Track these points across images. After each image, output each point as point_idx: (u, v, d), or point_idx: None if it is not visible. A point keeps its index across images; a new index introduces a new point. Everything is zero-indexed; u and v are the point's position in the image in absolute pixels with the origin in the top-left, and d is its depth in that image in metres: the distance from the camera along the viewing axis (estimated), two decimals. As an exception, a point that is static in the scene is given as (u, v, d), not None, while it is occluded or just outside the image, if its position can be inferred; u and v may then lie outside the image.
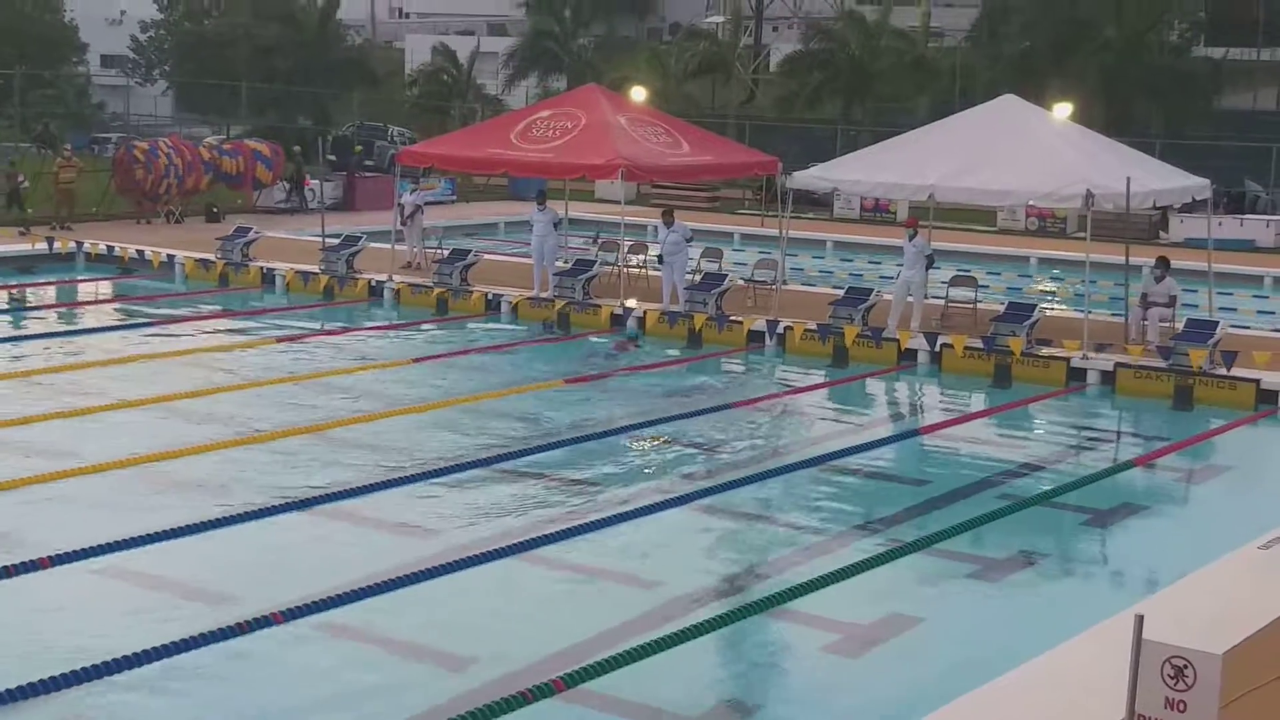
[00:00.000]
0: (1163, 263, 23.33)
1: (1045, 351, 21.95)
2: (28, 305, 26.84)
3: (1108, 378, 21.30)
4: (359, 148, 49.47)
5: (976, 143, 23.72)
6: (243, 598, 11.64)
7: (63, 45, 69.50)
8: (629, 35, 78.28)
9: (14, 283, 28.12)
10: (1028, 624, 11.83)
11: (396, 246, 28.89)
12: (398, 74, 71.27)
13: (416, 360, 22.03)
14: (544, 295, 26.09)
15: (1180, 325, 22.27)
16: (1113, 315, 25.03)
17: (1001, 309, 23.41)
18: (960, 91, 50.17)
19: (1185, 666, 7.38)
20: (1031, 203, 27.75)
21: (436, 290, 26.72)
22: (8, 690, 9.62)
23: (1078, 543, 14.61)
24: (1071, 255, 32.79)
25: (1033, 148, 23.36)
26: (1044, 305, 24.42)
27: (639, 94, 37.69)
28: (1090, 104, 41.90)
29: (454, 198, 45.38)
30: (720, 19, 71.80)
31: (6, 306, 26.20)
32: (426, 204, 32.01)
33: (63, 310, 26.68)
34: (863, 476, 16.69)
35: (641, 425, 18.36)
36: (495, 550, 13.01)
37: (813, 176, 25.66)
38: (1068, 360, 21.57)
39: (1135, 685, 7.52)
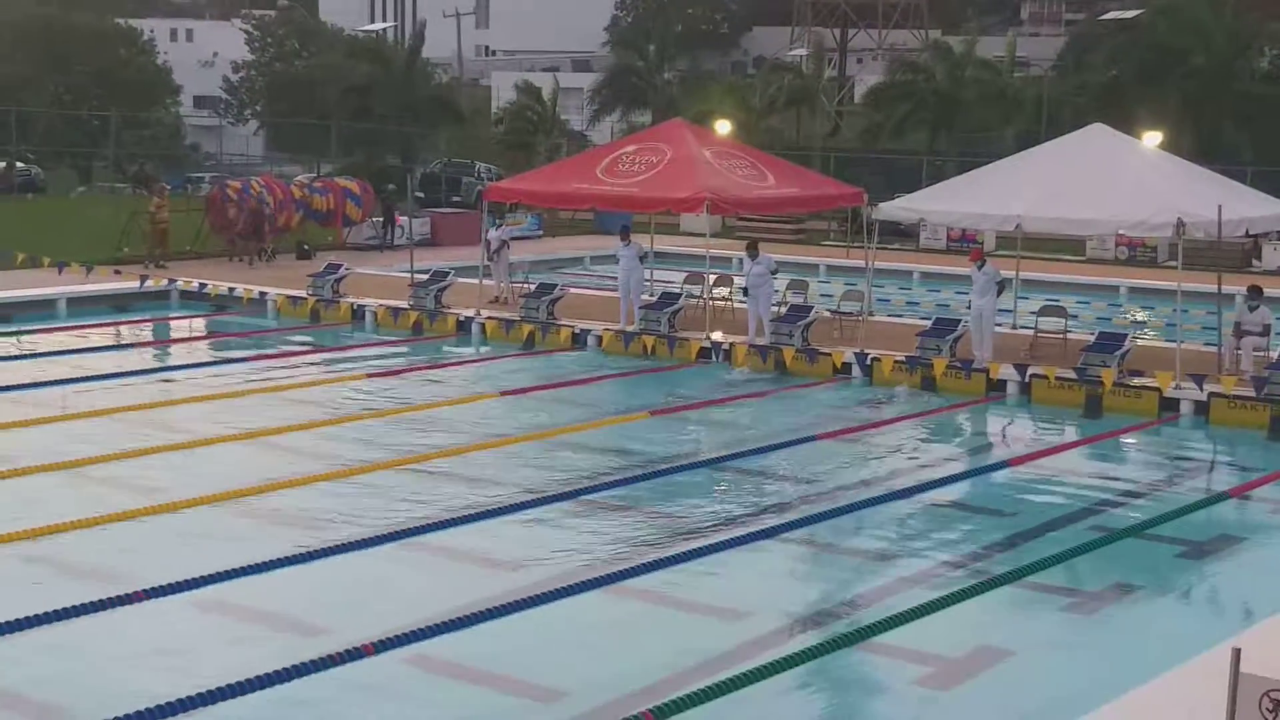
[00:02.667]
0: (1256, 291, 22.98)
1: (1137, 382, 21.68)
2: (123, 342, 27.25)
3: (1201, 408, 21.01)
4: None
5: (1064, 172, 23.52)
6: (334, 630, 11.75)
7: (157, 87, 70.99)
8: (712, 69, 78.67)
9: (109, 320, 28.58)
10: (1122, 657, 11.68)
11: (484, 281, 29.11)
12: (484, 111, 72.00)
13: (504, 393, 22.16)
14: (630, 329, 26.17)
15: (1275, 354, 21.92)
16: (1205, 345, 24.71)
17: (1092, 339, 23.19)
18: (1046, 121, 49.86)
19: (1285, 700, 7.27)
20: (1121, 231, 27.46)
21: (525, 325, 26.87)
22: (106, 722, 9.77)
23: (1172, 575, 14.40)
24: (1163, 284, 32.42)
25: (1122, 176, 23.14)
26: (1135, 335, 24.10)
27: (723, 127, 37.93)
28: (1179, 132, 41.56)
29: (540, 233, 45.64)
30: (804, 52, 71.91)
31: (103, 344, 26.61)
32: (513, 239, 32.24)
33: (157, 347, 27.10)
34: (953, 508, 16.58)
35: (728, 458, 18.35)
36: (582, 583, 13.05)
37: (898, 207, 25.58)
38: (1160, 390, 21.29)
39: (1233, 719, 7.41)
